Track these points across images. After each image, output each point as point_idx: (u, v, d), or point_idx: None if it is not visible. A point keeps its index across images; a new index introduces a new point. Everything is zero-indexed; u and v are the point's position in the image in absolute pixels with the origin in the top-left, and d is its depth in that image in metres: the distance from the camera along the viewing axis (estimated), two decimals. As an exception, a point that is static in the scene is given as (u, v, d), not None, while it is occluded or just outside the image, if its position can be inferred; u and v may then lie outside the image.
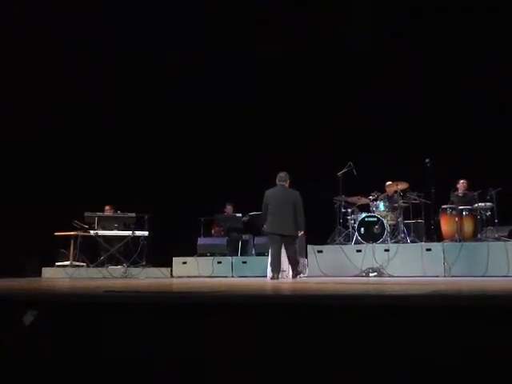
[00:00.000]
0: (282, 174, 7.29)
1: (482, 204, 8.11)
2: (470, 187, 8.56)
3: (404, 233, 8.55)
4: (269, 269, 8.11)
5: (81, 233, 9.30)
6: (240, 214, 9.88)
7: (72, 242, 9.27)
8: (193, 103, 10.58)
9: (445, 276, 7.53)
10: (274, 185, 7.33)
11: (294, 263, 7.34)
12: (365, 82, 9.91)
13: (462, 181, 8.69)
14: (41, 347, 2.54)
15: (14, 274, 7.67)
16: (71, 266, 9.17)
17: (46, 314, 2.58)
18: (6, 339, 2.59)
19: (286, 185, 7.29)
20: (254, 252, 9.59)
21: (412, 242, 8.42)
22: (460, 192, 8.71)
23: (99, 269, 9.08)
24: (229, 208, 10.17)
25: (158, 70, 10.52)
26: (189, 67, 10.47)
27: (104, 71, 10.37)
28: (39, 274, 9.19)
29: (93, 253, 9.57)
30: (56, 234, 9.19)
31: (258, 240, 9.47)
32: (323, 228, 8.94)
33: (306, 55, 10.26)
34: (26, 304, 2.62)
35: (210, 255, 9.44)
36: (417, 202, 8.72)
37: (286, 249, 7.24)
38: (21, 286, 4.90)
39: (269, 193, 7.24)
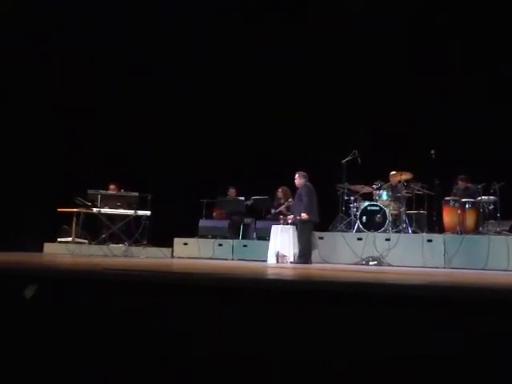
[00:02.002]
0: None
1: (485, 197, 8.09)
2: (474, 180, 8.52)
3: (406, 223, 8.54)
4: (270, 253, 8.18)
5: (83, 210, 9.32)
6: (243, 198, 9.88)
7: (74, 218, 9.31)
8: (199, 86, 10.53)
9: (444, 268, 7.54)
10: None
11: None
12: (370, 70, 9.86)
13: (460, 177, 8.64)
14: (40, 322, 2.57)
15: (15, 248, 7.72)
16: (73, 242, 9.22)
17: (47, 288, 2.60)
18: (7, 312, 2.61)
19: None
20: (255, 236, 9.60)
21: (413, 232, 8.42)
22: (461, 186, 8.69)
23: (100, 246, 9.11)
24: (232, 191, 10.17)
25: (166, 55, 10.47)
26: (198, 53, 10.41)
27: (109, 52, 10.33)
28: (41, 249, 9.25)
29: (95, 230, 9.61)
30: (59, 210, 9.22)
31: (260, 224, 9.48)
32: (325, 215, 8.93)
33: (306, 40, 10.18)
34: (28, 278, 2.65)
35: (212, 237, 9.47)
36: (420, 192, 8.71)
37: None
38: (23, 260, 4.94)
39: (312, 187, 8.17)
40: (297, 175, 8.25)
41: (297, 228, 8.17)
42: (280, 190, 9.22)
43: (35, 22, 9.83)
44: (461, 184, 8.63)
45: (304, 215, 7.93)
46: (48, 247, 9.29)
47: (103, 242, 9.32)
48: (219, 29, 10.26)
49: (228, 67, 10.50)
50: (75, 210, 9.26)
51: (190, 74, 10.56)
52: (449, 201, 8.33)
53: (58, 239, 9.41)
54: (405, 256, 7.92)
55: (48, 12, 9.81)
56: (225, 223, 9.73)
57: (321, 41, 10.07)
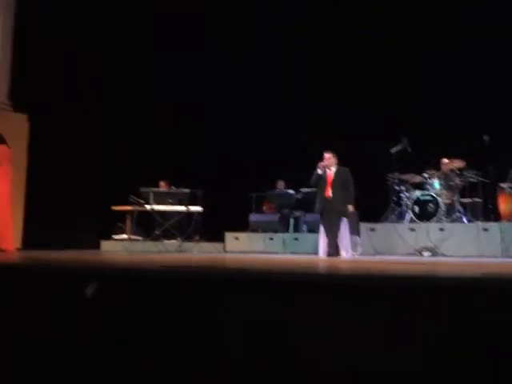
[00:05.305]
0: None
1: (544, 182, 7.83)
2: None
3: (460, 212, 8.35)
4: (321, 246, 8.15)
5: (137, 207, 9.55)
6: (292, 191, 9.89)
7: (128, 216, 9.56)
8: (239, 82, 10.60)
9: (502, 257, 7.34)
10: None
11: None
12: (419, 55, 9.66)
13: None
14: (100, 320, 2.67)
15: (73, 246, 8.01)
16: (128, 239, 9.47)
17: (107, 286, 2.71)
18: (68, 310, 2.73)
19: None
20: (305, 229, 9.61)
21: (468, 221, 8.23)
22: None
23: (155, 243, 9.32)
24: (280, 184, 10.20)
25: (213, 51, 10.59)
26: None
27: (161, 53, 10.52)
28: (98, 246, 9.55)
29: (148, 227, 9.83)
30: (113, 208, 9.49)
31: (310, 217, 9.47)
32: (376, 206, 8.85)
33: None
34: (89, 276, 2.76)
35: (262, 231, 9.53)
36: (474, 180, 8.49)
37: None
38: (82, 258, 5.12)
39: None
40: (331, 153, 7.45)
41: (335, 219, 7.35)
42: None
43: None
44: None
45: (351, 207, 7.29)
46: (105, 245, 9.60)
47: (157, 239, 9.52)
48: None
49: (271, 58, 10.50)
50: (129, 207, 9.49)
51: (230, 70, 10.64)
52: (504, 188, 8.08)
53: (114, 237, 9.70)
54: (460, 246, 7.76)
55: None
56: (275, 217, 9.77)
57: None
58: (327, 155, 7.42)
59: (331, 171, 7.41)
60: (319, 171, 7.36)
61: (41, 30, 9.42)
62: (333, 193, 7.32)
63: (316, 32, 10.25)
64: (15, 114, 9.11)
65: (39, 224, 8.75)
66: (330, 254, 7.17)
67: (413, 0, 9.74)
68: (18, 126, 8.90)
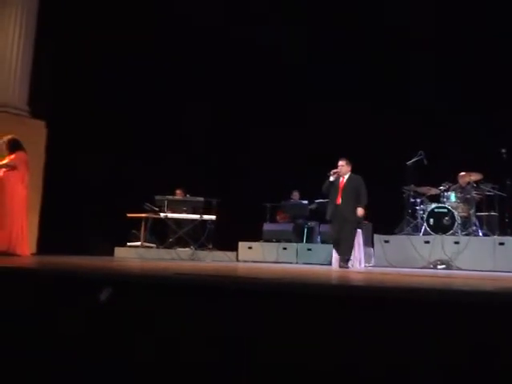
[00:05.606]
0: None
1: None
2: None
3: (476, 225, 8.27)
4: (334, 257, 8.11)
5: (151, 215, 9.59)
6: (306, 201, 9.88)
7: (143, 223, 9.61)
8: (258, 91, 10.62)
9: (518, 272, 7.25)
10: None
11: None
12: (433, 66, 9.64)
13: None
14: (113, 325, 2.68)
15: (87, 252, 8.05)
16: (142, 246, 9.51)
17: (120, 291, 2.72)
18: (82, 315, 2.75)
19: None
20: (319, 239, 9.57)
21: (484, 235, 8.14)
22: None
23: (168, 250, 9.35)
24: (295, 195, 10.19)
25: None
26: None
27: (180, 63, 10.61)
28: (111, 253, 9.60)
29: (162, 235, 9.87)
30: (128, 215, 9.54)
31: (324, 227, 9.43)
32: (391, 218, 8.79)
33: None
34: (102, 281, 2.78)
35: (276, 241, 9.52)
36: (491, 193, 8.41)
37: None
38: (96, 264, 5.15)
39: None
40: (345, 161, 7.33)
41: (350, 226, 7.17)
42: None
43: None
44: None
45: (361, 211, 7.07)
46: (118, 251, 9.64)
47: (170, 246, 9.55)
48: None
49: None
50: (144, 215, 9.55)
51: (252, 79, 10.67)
52: (521, 202, 8.00)
53: (128, 243, 9.74)
54: (475, 260, 7.68)
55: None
56: (289, 227, 9.76)
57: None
58: (341, 162, 7.34)
59: (343, 178, 7.33)
60: (331, 178, 7.31)
61: (59, 37, 9.57)
62: (343, 199, 7.18)
63: (334, 44, 10.27)
64: (33, 120, 9.22)
65: (54, 229, 8.82)
66: (340, 266, 7.09)
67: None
68: (36, 132, 9.01)
